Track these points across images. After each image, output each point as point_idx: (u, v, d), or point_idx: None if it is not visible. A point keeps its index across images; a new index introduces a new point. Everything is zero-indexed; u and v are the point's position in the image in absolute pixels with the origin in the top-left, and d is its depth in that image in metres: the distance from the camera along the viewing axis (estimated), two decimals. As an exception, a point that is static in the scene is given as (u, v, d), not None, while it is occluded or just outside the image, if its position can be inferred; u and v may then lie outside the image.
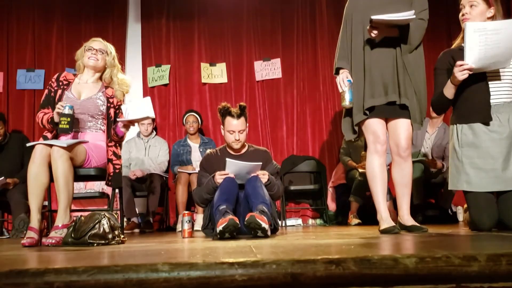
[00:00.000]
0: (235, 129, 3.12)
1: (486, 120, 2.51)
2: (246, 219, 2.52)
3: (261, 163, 3.05)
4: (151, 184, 4.64)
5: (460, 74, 2.43)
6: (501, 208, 2.51)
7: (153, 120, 5.02)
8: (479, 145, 2.51)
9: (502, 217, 2.50)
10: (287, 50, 5.65)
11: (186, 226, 2.97)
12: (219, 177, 2.98)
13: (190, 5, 5.61)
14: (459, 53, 2.58)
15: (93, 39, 3.18)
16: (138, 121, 3.05)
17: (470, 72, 2.43)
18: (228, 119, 3.16)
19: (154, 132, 5.15)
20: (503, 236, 2.05)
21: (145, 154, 4.94)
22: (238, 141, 3.13)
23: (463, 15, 2.60)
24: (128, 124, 2.99)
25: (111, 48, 3.17)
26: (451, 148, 2.65)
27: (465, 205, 2.79)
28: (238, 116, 3.13)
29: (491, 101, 2.52)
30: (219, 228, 2.52)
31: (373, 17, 2.49)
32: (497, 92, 2.53)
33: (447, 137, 4.43)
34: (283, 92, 5.60)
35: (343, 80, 2.67)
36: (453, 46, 2.73)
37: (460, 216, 4.22)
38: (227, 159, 3.01)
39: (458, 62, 2.43)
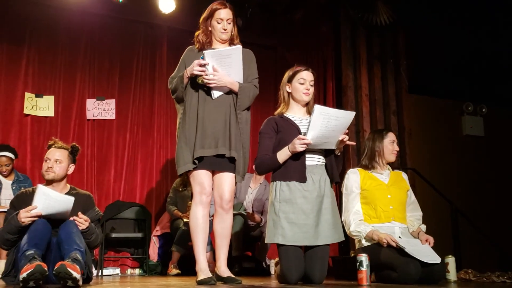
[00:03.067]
0: (51, 157, 3.00)
1: (301, 179, 2.77)
2: (56, 267, 2.31)
3: (73, 198, 2.85)
4: None
5: (300, 146, 2.67)
6: (307, 262, 2.75)
7: None
8: (294, 202, 2.74)
9: (307, 271, 2.74)
10: (124, 92, 5.52)
11: (-17, 273, 2.60)
12: (24, 214, 2.67)
13: (21, 29, 5.15)
14: (281, 120, 2.89)
15: None
16: None
17: (307, 147, 2.69)
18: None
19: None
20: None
21: None
22: (51, 169, 2.96)
23: (307, 89, 2.88)
24: None
25: None
26: (270, 203, 2.84)
27: (277, 259, 3.00)
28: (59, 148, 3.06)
29: (306, 162, 2.80)
30: (23, 275, 2.27)
31: (206, 52, 2.71)
32: (311, 156, 2.83)
33: (267, 193, 4.76)
34: (115, 134, 5.42)
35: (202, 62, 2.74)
36: (276, 113, 3.00)
37: (272, 269, 4.49)
38: (38, 185, 2.76)
39: (300, 136, 2.68)
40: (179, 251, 4.64)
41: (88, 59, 5.43)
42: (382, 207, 3.05)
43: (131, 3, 5.24)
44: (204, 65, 2.73)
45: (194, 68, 2.75)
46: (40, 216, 2.70)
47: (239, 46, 2.81)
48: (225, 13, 2.90)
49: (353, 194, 3.13)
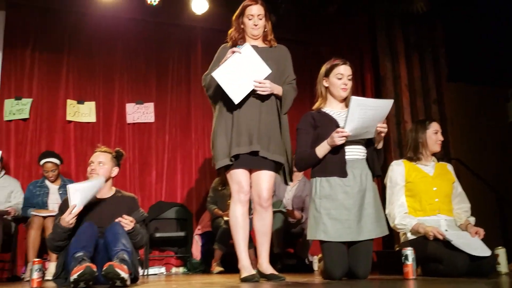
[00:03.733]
0: (94, 160, 3.10)
1: (342, 174, 2.73)
2: (104, 268, 2.38)
3: (102, 177, 3.01)
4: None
5: (339, 139, 2.63)
6: (351, 258, 2.71)
7: (0, 159, 4.53)
8: (335, 197, 2.71)
9: (351, 267, 2.70)
10: (161, 95, 5.63)
11: (36, 275, 2.69)
12: (68, 217, 2.76)
13: (60, 39, 5.33)
14: (319, 115, 2.85)
15: None
16: None
17: (346, 139, 2.66)
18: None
19: (3, 171, 4.65)
20: (351, 285, 2.22)
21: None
22: (94, 171, 3.06)
23: (345, 84, 2.83)
24: None
25: None
26: (311, 199, 2.82)
27: (320, 255, 2.97)
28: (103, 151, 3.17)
29: (346, 157, 2.76)
30: (74, 276, 2.34)
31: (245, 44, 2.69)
32: (351, 149, 2.78)
33: (307, 189, 4.73)
34: (154, 137, 5.54)
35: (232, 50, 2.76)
36: (313, 108, 2.97)
37: (316, 266, 4.46)
38: (67, 186, 2.86)
39: (338, 129, 2.64)
40: (221, 249, 4.68)
41: (125, 64, 5.56)
42: (427, 200, 2.98)
43: (164, 7, 5.31)
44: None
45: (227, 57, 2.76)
46: (83, 217, 2.79)
47: (269, 71, 2.75)
48: (256, 9, 2.89)
49: (398, 186, 3.06)
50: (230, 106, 2.82)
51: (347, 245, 2.77)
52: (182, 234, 5.07)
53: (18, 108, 5.06)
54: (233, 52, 2.74)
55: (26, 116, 5.07)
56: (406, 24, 6.00)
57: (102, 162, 3.08)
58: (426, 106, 5.91)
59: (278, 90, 2.81)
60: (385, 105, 2.68)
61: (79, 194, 2.82)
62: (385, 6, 5.79)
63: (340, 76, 2.84)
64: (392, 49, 5.96)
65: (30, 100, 5.12)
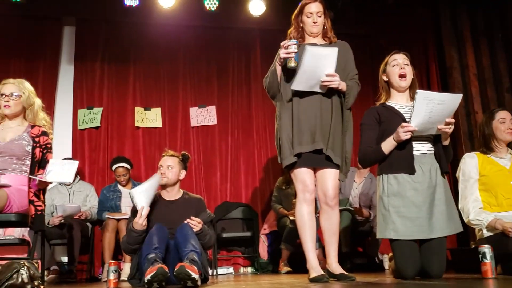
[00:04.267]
0: (163, 164, 3.21)
1: (410, 170, 2.65)
2: (176, 269, 2.45)
3: (157, 175, 3.13)
4: (71, 231, 4.34)
5: (404, 134, 2.56)
6: (423, 256, 2.62)
7: None
8: (404, 195, 2.63)
9: (424, 265, 2.61)
10: (223, 98, 5.74)
11: (112, 276, 2.82)
12: (140, 221, 2.91)
13: (126, 49, 5.59)
14: (383, 109, 2.78)
15: (4, 82, 3.04)
16: (49, 183, 2.93)
17: (413, 134, 2.58)
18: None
19: (78, 177, 4.92)
20: (424, 285, 2.14)
21: (68, 201, 4.69)
22: (164, 175, 3.18)
23: (402, 69, 2.76)
24: (43, 183, 2.87)
25: (25, 86, 3.04)
26: (378, 197, 2.75)
27: (391, 254, 2.89)
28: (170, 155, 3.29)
29: (414, 152, 2.67)
30: (147, 277, 2.43)
31: (307, 46, 2.63)
32: (419, 145, 2.69)
33: (373, 186, 4.63)
34: (217, 139, 5.65)
35: (286, 43, 2.70)
36: (377, 103, 2.90)
37: (386, 264, 4.35)
38: (129, 192, 2.99)
39: (404, 124, 2.57)
40: (288, 249, 4.68)
41: (187, 70, 5.72)
42: (504, 195, 2.82)
43: (222, 11, 5.40)
44: (288, 47, 2.69)
45: (280, 52, 2.73)
46: (153, 219, 2.93)
47: (336, 49, 2.70)
48: (314, 7, 2.86)
49: (471, 180, 2.92)
50: (289, 104, 2.80)
51: (419, 243, 2.68)
52: (248, 234, 5.12)
53: (90, 117, 5.35)
54: (285, 47, 2.70)
55: (98, 124, 5.35)
56: (473, 9, 5.69)
57: (170, 166, 3.19)
58: (498, 95, 5.58)
59: (342, 85, 2.77)
60: (454, 99, 2.56)
61: (142, 195, 2.96)
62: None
63: (395, 62, 2.78)
64: (458, 38, 5.68)
65: (101, 109, 5.40)
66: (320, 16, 2.87)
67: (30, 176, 2.85)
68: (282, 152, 2.79)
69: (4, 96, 2.96)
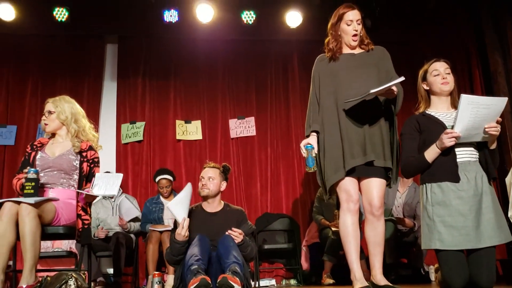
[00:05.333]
0: (205, 176, 3.26)
1: (454, 178, 2.58)
2: (218, 280, 2.47)
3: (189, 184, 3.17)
4: (116, 243, 4.44)
5: (448, 141, 2.52)
6: (471, 267, 2.54)
7: None
8: (449, 204, 2.56)
9: (473, 276, 2.52)
10: (261, 109, 5.78)
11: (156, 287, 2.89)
12: (182, 233, 2.96)
13: (166, 64, 5.73)
14: (423, 118, 2.73)
15: (47, 100, 3.18)
16: (96, 197, 3.01)
17: (457, 141, 2.52)
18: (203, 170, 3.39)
19: (121, 190, 5.04)
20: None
21: (113, 214, 4.82)
22: (205, 186, 3.23)
23: (444, 78, 2.71)
24: (90, 197, 2.96)
25: (60, 102, 3.15)
26: (422, 207, 2.69)
27: (436, 265, 2.81)
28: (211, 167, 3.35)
29: (458, 160, 2.60)
30: (191, 288, 2.46)
31: (371, 91, 2.55)
32: (463, 152, 2.62)
33: (417, 196, 4.52)
34: (257, 150, 5.67)
35: (302, 146, 2.72)
36: (416, 112, 2.84)
37: (432, 276, 4.23)
38: (167, 206, 3.04)
39: (447, 130, 2.52)
40: (331, 261, 4.62)
41: (226, 83, 5.79)
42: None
43: (259, 24, 5.46)
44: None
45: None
46: (195, 231, 2.98)
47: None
48: (353, 15, 2.83)
49: (522, 187, 2.81)
50: (334, 119, 2.76)
51: (466, 253, 2.59)
52: (290, 245, 5.09)
53: (133, 131, 5.50)
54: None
55: (140, 138, 5.49)
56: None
57: (211, 177, 3.24)
58: (545, 99, 5.35)
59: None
60: (499, 103, 2.49)
61: (179, 207, 3.01)
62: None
63: (436, 72, 2.73)
64: (503, 41, 5.50)
65: (143, 123, 5.54)
66: (359, 24, 2.84)
67: (78, 191, 2.95)
68: (327, 169, 2.75)
69: (43, 114, 3.12)
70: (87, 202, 3.01)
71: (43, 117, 3.12)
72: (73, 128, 3.12)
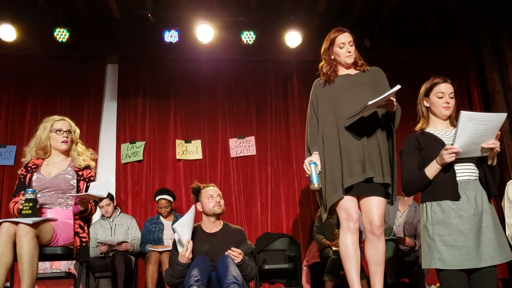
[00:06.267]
0: (213, 194, 3.27)
1: (454, 197, 2.57)
2: (218, 300, 2.45)
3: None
4: (115, 264, 4.40)
5: (448, 156, 2.51)
6: (473, 286, 2.51)
7: (112, 199, 4.93)
8: (449, 223, 2.55)
9: (475, 296, 2.50)
10: (261, 129, 5.79)
11: (155, 308, 2.85)
12: (185, 255, 2.94)
13: (167, 84, 5.76)
14: (423, 136, 2.73)
15: (58, 118, 3.22)
16: (87, 198, 2.97)
17: (457, 156, 2.52)
18: (207, 189, 3.33)
19: (119, 211, 5.03)
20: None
21: (111, 234, 4.79)
22: (218, 203, 3.23)
23: (447, 102, 2.71)
24: (82, 200, 2.94)
25: (73, 124, 3.26)
26: (422, 226, 2.67)
27: (438, 284, 2.79)
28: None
29: (458, 178, 2.59)
30: (190, 309, 2.43)
31: (370, 102, 2.56)
32: (463, 170, 2.61)
33: (418, 215, 4.50)
34: (257, 169, 5.66)
35: (306, 163, 2.73)
36: (416, 129, 2.85)
37: (435, 296, 4.18)
38: (173, 226, 3.02)
39: (447, 146, 2.52)
40: (331, 281, 4.56)
41: (226, 102, 5.82)
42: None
43: (259, 44, 5.50)
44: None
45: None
46: (195, 251, 2.94)
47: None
48: (345, 37, 2.89)
49: (519, 207, 2.80)
50: (333, 137, 2.78)
51: (467, 273, 2.56)
52: (291, 265, 5.04)
53: (133, 151, 5.50)
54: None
55: (140, 158, 5.49)
56: (514, 30, 5.58)
57: (220, 195, 3.28)
58: (546, 118, 5.37)
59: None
60: (498, 119, 2.49)
61: (185, 228, 3.00)
62: (488, 15, 5.45)
63: (441, 94, 2.72)
64: (500, 60, 5.55)
65: (143, 143, 5.54)
66: (352, 46, 2.89)
67: (69, 195, 2.95)
68: (328, 189, 2.76)
69: (62, 132, 3.12)
70: (81, 210, 2.96)
71: (63, 135, 3.13)
72: (80, 148, 3.20)
